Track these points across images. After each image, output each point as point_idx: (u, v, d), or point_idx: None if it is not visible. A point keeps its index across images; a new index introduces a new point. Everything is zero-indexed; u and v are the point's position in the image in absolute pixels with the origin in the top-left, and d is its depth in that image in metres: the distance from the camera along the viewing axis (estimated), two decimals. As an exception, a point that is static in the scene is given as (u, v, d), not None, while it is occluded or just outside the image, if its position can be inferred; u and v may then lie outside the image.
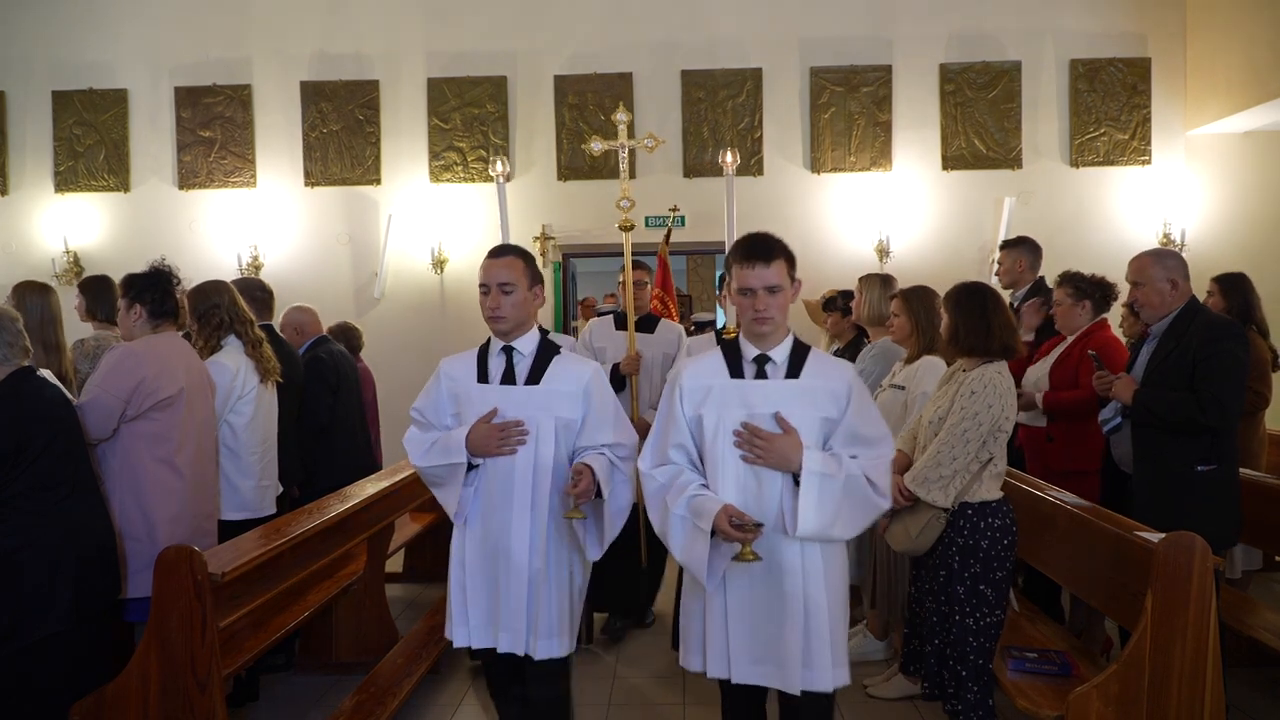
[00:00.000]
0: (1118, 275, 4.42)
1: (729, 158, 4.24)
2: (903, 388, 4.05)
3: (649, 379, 4.84)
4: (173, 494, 3.43)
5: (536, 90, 7.91)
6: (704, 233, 7.77)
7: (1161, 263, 3.61)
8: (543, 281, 3.04)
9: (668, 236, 6.36)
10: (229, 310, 4.05)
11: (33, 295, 3.86)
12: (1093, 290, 4.40)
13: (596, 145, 4.77)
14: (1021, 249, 5.17)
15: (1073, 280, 4.45)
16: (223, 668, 3.04)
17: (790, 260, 2.68)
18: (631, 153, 4.86)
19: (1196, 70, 7.73)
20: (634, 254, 4.84)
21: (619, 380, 4.68)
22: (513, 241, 2.99)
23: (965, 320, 3.24)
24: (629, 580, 4.82)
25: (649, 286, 5.06)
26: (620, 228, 4.69)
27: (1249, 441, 4.51)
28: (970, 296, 3.30)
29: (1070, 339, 4.43)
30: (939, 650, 3.21)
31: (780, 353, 2.65)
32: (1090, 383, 4.15)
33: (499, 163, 4.01)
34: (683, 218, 7.77)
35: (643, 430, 3.94)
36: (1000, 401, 3.13)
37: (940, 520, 3.16)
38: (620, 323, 4.95)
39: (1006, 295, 5.26)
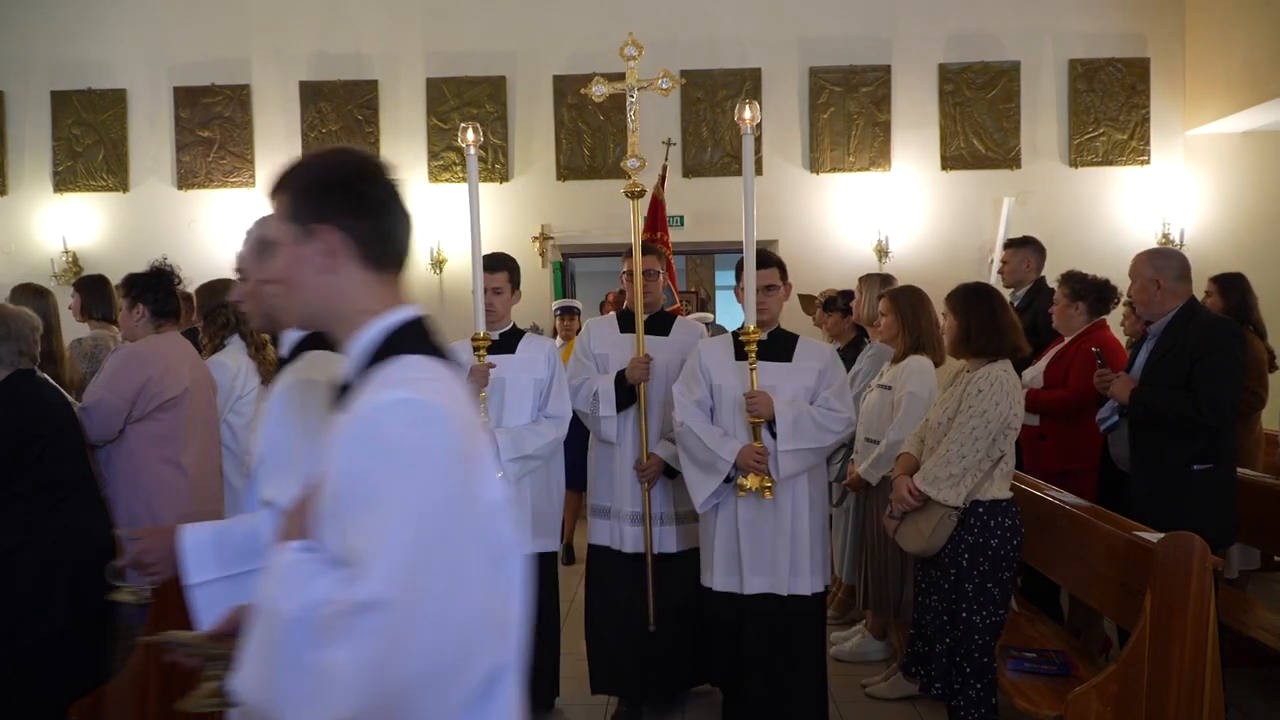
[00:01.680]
0: (1116, 276, 4.42)
1: (747, 114, 3.27)
2: (890, 387, 4.06)
3: (661, 395, 3.77)
4: (179, 494, 3.43)
5: (535, 90, 7.91)
6: (704, 233, 7.78)
7: (1152, 262, 3.64)
8: (283, 253, 1.59)
9: (663, 177, 5.77)
10: (235, 310, 4.05)
11: (31, 300, 3.80)
12: (1088, 291, 4.40)
13: (599, 89, 3.90)
14: (1028, 249, 5.17)
15: (1070, 280, 4.45)
16: (222, 668, 3.04)
17: (292, 196, 1.42)
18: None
19: (1195, 70, 7.74)
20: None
21: (628, 393, 3.75)
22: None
23: (976, 321, 3.24)
24: (638, 652, 3.75)
25: (661, 276, 4.04)
26: (627, 194, 3.88)
27: (1246, 441, 4.52)
28: (979, 298, 3.31)
29: (1068, 339, 4.44)
30: (950, 649, 3.22)
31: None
32: (1076, 383, 4.16)
33: (470, 130, 3.51)
34: (681, 218, 7.77)
35: (657, 468, 3.74)
36: (1008, 399, 3.14)
37: (951, 519, 3.17)
38: (626, 323, 3.88)
39: (1007, 294, 5.27)
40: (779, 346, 3.49)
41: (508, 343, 3.76)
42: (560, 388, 3.72)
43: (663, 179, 5.83)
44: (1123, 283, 4.84)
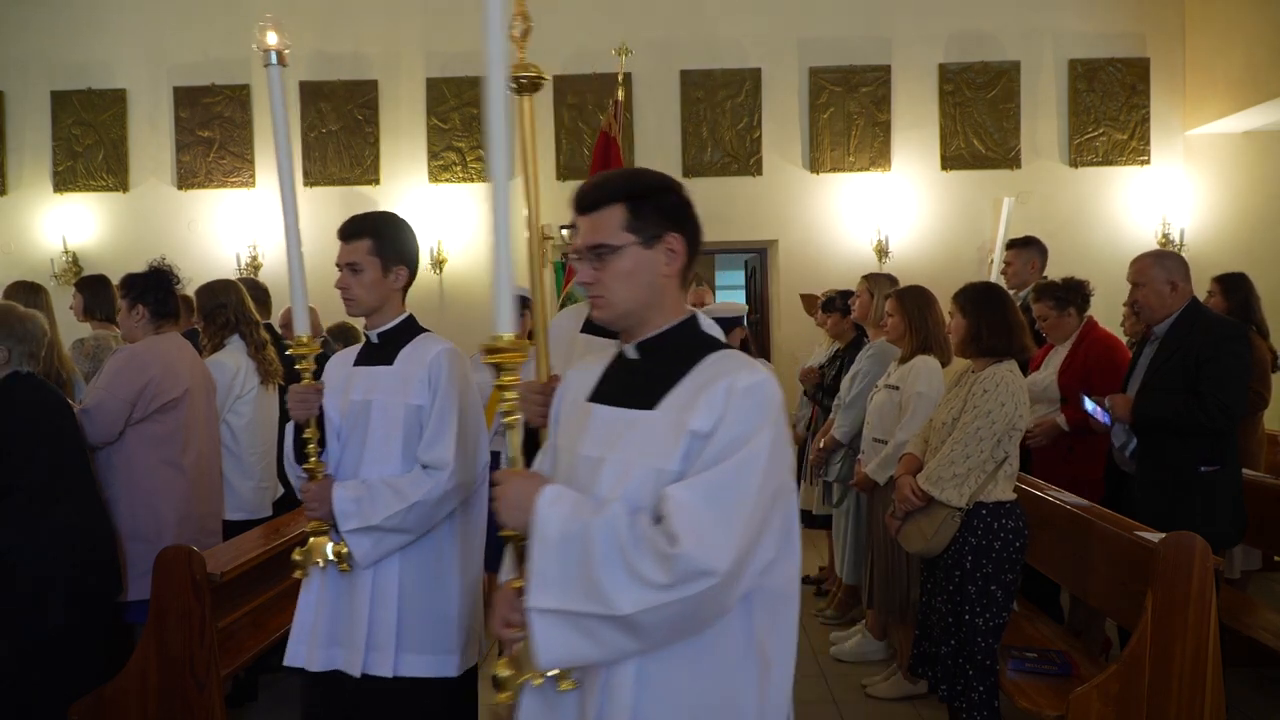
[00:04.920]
0: (1116, 276, 4.42)
1: None
2: (897, 388, 4.06)
3: None
4: (180, 494, 3.43)
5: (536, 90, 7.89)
6: (704, 233, 7.77)
7: (1162, 264, 3.64)
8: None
9: (617, 107, 4.47)
10: (236, 310, 4.05)
11: (24, 296, 3.86)
12: (1073, 296, 4.40)
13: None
14: (1032, 249, 5.14)
15: (1049, 292, 4.42)
16: (221, 667, 3.04)
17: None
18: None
19: (1195, 70, 7.73)
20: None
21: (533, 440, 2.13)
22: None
23: (989, 321, 3.23)
24: None
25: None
26: (512, 86, 2.47)
27: (1248, 442, 4.52)
28: (989, 297, 3.32)
29: (1068, 345, 4.40)
30: (955, 650, 3.22)
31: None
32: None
33: (270, 33, 2.40)
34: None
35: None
36: (1013, 400, 3.14)
37: (955, 520, 3.16)
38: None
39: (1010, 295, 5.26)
40: (650, 370, 1.66)
41: (386, 348, 2.52)
42: (442, 419, 2.39)
43: (616, 110, 4.45)
44: (1117, 284, 4.84)
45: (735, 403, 1.51)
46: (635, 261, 1.64)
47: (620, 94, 4.66)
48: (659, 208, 1.66)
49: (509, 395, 1.57)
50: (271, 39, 2.37)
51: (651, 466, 1.54)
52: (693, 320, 1.69)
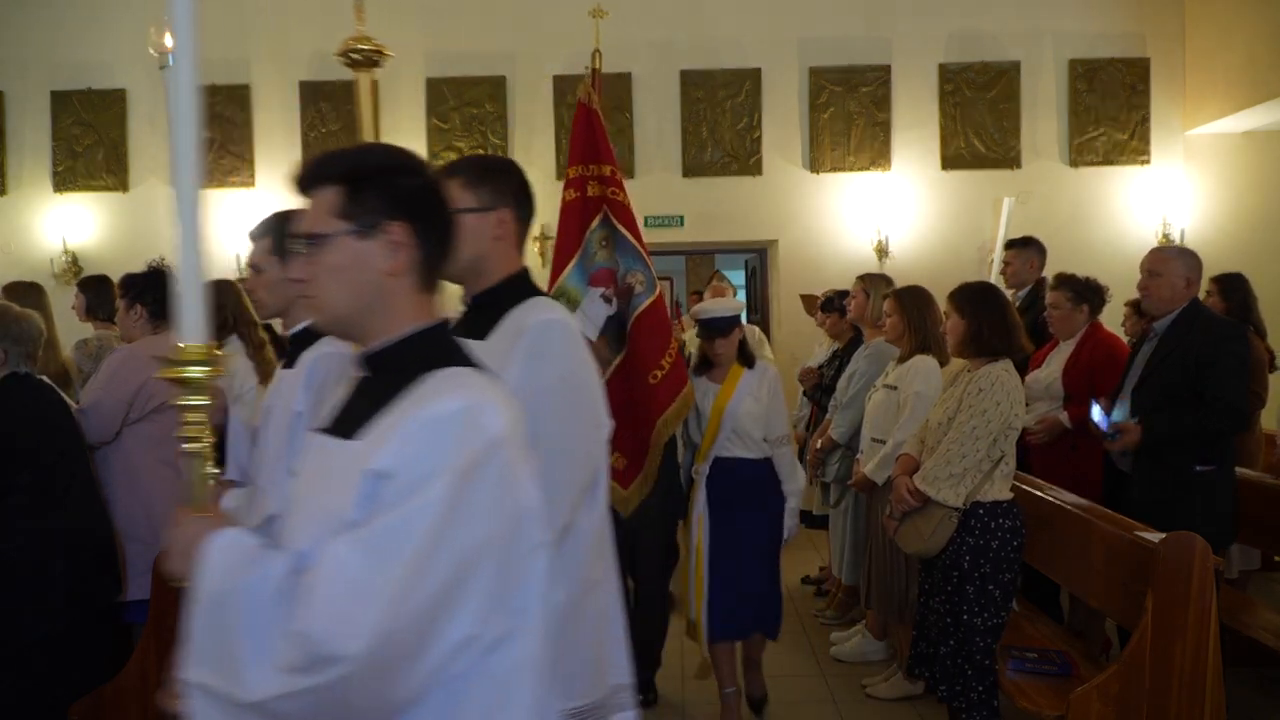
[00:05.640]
0: (1116, 276, 4.42)
1: None
2: (895, 387, 4.06)
3: None
4: (176, 496, 3.43)
5: (535, 90, 7.90)
6: (703, 232, 7.78)
7: (1184, 259, 3.69)
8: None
9: (595, 75, 4.14)
10: (234, 310, 4.04)
11: (23, 295, 3.87)
12: (1090, 294, 4.39)
13: None
14: (1031, 249, 5.13)
15: (1070, 284, 4.41)
16: (222, 668, 3.04)
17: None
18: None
19: (1195, 70, 7.73)
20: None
21: None
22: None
23: (989, 321, 3.23)
24: None
25: (499, 218, 2.08)
26: (342, 58, 2.01)
27: (1245, 441, 4.51)
28: (989, 297, 3.33)
29: (1072, 343, 4.40)
30: (954, 651, 3.22)
31: None
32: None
33: (167, 36, 2.10)
34: (682, 217, 7.77)
35: None
36: (1008, 399, 3.14)
37: (951, 520, 3.16)
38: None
39: (1009, 295, 5.26)
40: (372, 391, 1.36)
41: (296, 351, 2.31)
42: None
43: (595, 77, 4.05)
44: (1118, 284, 4.83)
45: (423, 436, 1.19)
46: (348, 255, 1.33)
47: (598, 63, 4.35)
48: (384, 191, 1.36)
49: (190, 419, 1.35)
50: (169, 42, 2.04)
51: (332, 512, 1.22)
52: (435, 330, 1.37)
